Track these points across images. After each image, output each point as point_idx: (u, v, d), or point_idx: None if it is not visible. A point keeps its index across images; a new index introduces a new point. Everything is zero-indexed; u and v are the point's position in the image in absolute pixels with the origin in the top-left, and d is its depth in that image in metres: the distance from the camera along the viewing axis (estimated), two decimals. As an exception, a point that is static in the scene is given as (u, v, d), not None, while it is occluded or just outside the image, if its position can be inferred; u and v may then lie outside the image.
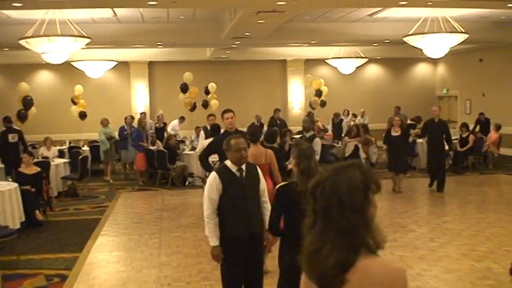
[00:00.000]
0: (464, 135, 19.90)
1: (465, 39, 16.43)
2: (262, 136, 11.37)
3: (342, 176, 2.60)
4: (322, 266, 2.51)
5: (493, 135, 20.52)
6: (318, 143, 11.98)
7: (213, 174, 6.21)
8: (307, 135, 12.21)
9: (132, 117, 19.99)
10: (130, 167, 19.61)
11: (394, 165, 15.53)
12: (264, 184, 6.45)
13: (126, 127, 18.98)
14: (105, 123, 19.27)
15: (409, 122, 21.47)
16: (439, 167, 15.53)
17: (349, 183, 2.56)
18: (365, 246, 2.51)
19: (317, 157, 11.41)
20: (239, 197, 6.10)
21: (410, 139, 16.23)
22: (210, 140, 13.22)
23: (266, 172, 8.33)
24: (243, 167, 6.22)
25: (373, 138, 18.50)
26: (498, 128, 20.66)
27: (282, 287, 5.85)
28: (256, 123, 11.20)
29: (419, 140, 19.52)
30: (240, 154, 6.14)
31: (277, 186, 5.73)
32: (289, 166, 11.43)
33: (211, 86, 23.20)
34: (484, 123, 21.55)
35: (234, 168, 6.17)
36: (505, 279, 8.18)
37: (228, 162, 6.24)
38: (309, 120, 13.65)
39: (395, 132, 15.48)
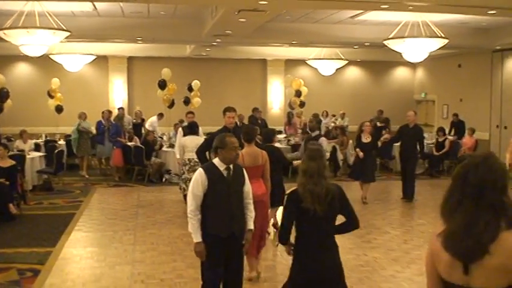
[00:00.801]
0: (440, 140, 20.03)
1: (445, 45, 16.50)
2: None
3: (494, 161, 3.07)
4: (471, 241, 2.92)
5: (468, 140, 20.63)
6: (323, 142, 11.97)
7: (200, 170, 6.18)
8: (313, 134, 12.21)
9: (110, 112, 19.88)
10: (107, 162, 19.51)
11: (361, 174, 14.78)
12: (248, 186, 6.43)
13: (103, 122, 18.87)
14: (83, 116, 19.12)
15: (378, 124, 21.61)
16: (408, 174, 15.18)
17: (502, 167, 3.06)
18: (508, 221, 2.93)
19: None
20: (223, 196, 6.09)
21: (379, 143, 15.64)
22: (187, 137, 13.24)
23: (260, 174, 8.28)
24: (231, 166, 6.21)
25: (351, 141, 18.59)
26: (473, 132, 20.78)
27: None
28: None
29: (396, 143, 19.63)
30: (234, 153, 6.18)
31: (288, 191, 5.50)
32: (295, 163, 11.61)
33: (195, 84, 23.05)
34: (458, 125, 21.58)
35: (222, 167, 6.16)
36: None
37: (216, 161, 6.24)
38: (315, 120, 13.66)
39: (366, 139, 14.68)
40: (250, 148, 8.21)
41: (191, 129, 13.30)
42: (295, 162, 11.49)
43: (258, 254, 8.37)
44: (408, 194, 14.98)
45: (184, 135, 13.49)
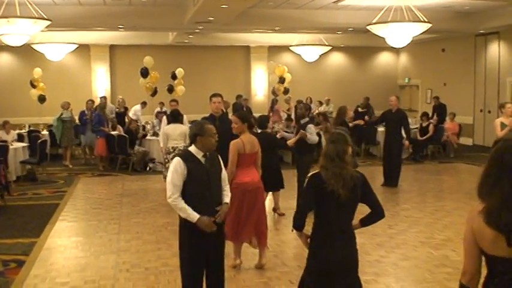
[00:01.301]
0: (424, 125, 20.07)
1: (428, 29, 16.51)
2: None
3: None
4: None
5: (450, 125, 20.71)
6: (311, 129, 11.97)
7: (178, 159, 5.97)
8: (302, 121, 12.20)
9: (93, 102, 19.77)
10: (91, 151, 19.41)
11: None
12: (225, 173, 6.32)
13: (86, 112, 18.77)
14: (65, 106, 18.98)
15: (360, 110, 21.76)
16: (392, 159, 15.10)
17: None
18: None
19: (312, 138, 11.58)
20: (203, 184, 5.93)
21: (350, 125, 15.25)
22: (170, 126, 13.19)
23: (256, 161, 8.28)
24: (207, 154, 6.05)
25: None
26: (453, 116, 20.85)
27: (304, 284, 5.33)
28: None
29: (380, 129, 19.66)
30: (214, 139, 6.04)
31: (309, 174, 5.22)
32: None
33: (179, 71, 22.96)
34: (439, 108, 21.54)
35: (199, 155, 6.00)
36: (462, 267, 8.23)
37: (192, 148, 6.05)
38: (304, 107, 13.61)
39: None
40: (248, 135, 8.18)
41: (174, 117, 13.24)
42: (289, 142, 11.74)
43: (264, 242, 8.33)
44: (392, 180, 14.91)
45: (168, 123, 13.44)
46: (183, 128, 13.00)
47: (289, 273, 8.05)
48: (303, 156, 11.80)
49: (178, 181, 5.87)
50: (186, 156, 6.03)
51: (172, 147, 12.86)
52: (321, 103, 25.26)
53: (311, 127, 11.96)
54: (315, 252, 5.13)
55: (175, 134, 12.89)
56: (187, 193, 5.88)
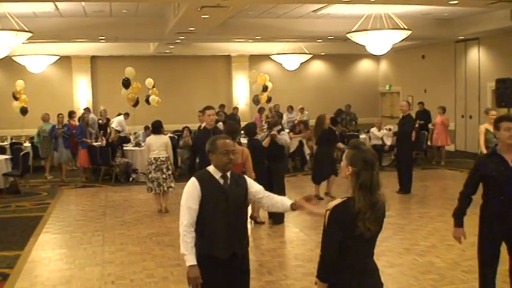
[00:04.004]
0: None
1: (408, 36, 16.63)
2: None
3: None
4: None
5: (439, 119, 20.45)
6: (285, 136, 12.01)
7: (193, 180, 5.19)
8: (275, 129, 12.24)
9: (63, 116, 19.21)
10: (73, 163, 19.35)
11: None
12: (256, 187, 5.42)
13: (57, 126, 18.26)
14: (46, 118, 18.89)
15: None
16: (402, 165, 15.04)
17: None
18: None
19: (283, 138, 11.62)
20: (221, 208, 5.11)
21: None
22: (152, 137, 13.27)
23: (239, 172, 8.28)
24: (228, 174, 5.24)
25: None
26: (443, 110, 20.67)
27: None
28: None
29: (362, 136, 19.83)
30: (228, 158, 5.18)
31: (333, 206, 4.34)
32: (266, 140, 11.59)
33: (148, 82, 22.80)
34: (424, 114, 21.45)
35: (217, 175, 5.20)
36: (447, 273, 8.30)
37: (211, 168, 5.26)
38: (277, 115, 13.68)
39: None
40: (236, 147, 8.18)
41: (155, 128, 13.29)
42: (264, 142, 11.80)
43: None
44: (405, 187, 14.81)
45: (150, 134, 13.54)
46: (164, 139, 13.11)
47: (275, 283, 8.07)
48: (274, 163, 11.75)
49: (193, 204, 5.10)
50: (202, 176, 5.24)
51: (155, 158, 12.91)
52: (302, 111, 25.31)
53: (283, 133, 12.08)
54: None
55: (157, 145, 12.95)
56: (201, 219, 5.14)
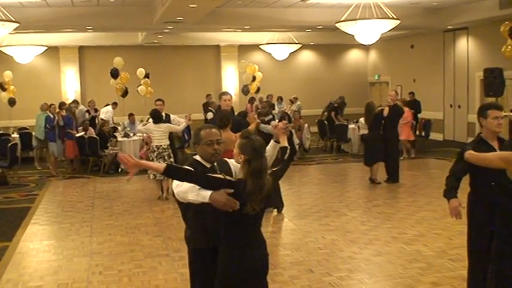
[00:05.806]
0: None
1: (397, 26, 16.61)
2: None
3: None
4: None
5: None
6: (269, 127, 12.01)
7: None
8: (266, 119, 12.23)
9: (64, 103, 19.28)
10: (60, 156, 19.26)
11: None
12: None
13: (51, 116, 17.85)
14: (44, 107, 18.71)
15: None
16: (390, 155, 14.92)
17: None
18: None
19: (267, 128, 11.60)
20: None
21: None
22: (152, 125, 13.30)
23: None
24: (215, 164, 5.01)
25: (306, 124, 18.82)
26: (412, 94, 20.93)
27: None
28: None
29: (351, 126, 19.83)
30: (212, 149, 4.94)
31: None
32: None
33: (140, 72, 22.79)
34: (414, 104, 21.39)
35: (207, 165, 4.97)
36: (434, 262, 8.32)
37: (197, 156, 5.04)
38: (268, 105, 13.65)
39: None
40: (224, 134, 8.08)
41: (153, 117, 13.29)
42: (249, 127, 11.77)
43: None
44: (392, 176, 14.88)
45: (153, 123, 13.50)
46: (164, 127, 13.24)
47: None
48: None
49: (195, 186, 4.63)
50: (194, 166, 4.91)
51: (156, 146, 13.05)
52: (292, 101, 25.22)
53: (273, 123, 12.07)
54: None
55: (159, 133, 13.12)
56: (190, 211, 5.02)
